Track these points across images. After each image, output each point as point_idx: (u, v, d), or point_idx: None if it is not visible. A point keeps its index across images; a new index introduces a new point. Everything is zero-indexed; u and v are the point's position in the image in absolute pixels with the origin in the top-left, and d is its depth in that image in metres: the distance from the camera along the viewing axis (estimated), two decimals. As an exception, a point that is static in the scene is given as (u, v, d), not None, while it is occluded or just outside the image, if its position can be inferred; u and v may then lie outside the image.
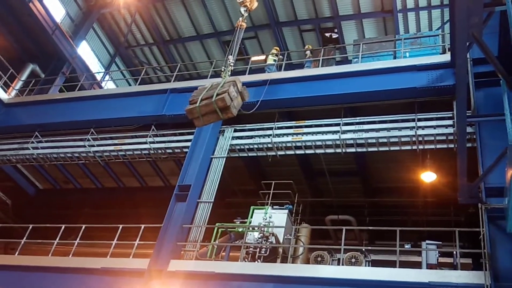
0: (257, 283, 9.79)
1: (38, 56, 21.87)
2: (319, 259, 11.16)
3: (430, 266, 10.01)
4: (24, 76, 20.95)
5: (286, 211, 12.05)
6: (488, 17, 7.43)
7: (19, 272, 11.89)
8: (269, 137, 13.03)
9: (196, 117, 9.11)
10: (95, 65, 25.95)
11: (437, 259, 10.25)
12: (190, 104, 9.17)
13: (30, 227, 13.42)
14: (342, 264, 10.51)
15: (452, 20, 9.43)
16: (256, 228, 11.42)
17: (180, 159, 14.92)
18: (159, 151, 14.46)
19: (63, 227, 13.02)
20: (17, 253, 12.82)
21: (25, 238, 13.12)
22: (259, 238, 11.14)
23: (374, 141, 12.18)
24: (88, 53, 25.52)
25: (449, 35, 10.99)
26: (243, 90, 9.42)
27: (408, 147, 12.00)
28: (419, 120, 11.83)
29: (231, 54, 10.76)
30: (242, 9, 11.44)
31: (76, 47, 23.43)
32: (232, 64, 10.57)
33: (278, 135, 13.06)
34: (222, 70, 10.37)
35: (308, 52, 17.01)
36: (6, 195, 19.14)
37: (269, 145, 13.06)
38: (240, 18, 11.35)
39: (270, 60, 16.42)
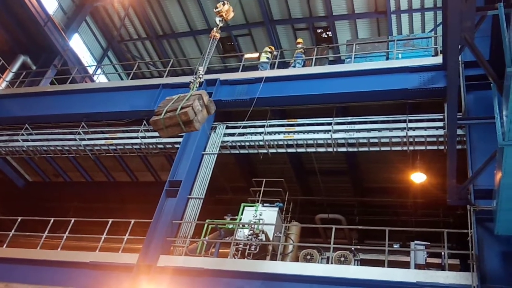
0: (246, 280, 9.81)
1: (30, 48, 21.67)
2: (308, 257, 11.21)
3: (418, 266, 10.07)
4: (15, 68, 20.79)
5: (277, 208, 12.11)
6: (480, 21, 7.51)
7: (6, 264, 11.82)
8: (261, 135, 13.05)
9: (161, 129, 8.97)
10: (87, 58, 25.79)
11: (425, 260, 10.31)
12: (155, 115, 9.01)
13: (19, 220, 13.33)
14: (331, 263, 10.55)
15: (444, 23, 9.52)
16: (246, 225, 11.45)
17: (171, 154, 14.89)
18: (150, 146, 14.44)
19: (52, 220, 12.95)
20: (5, 245, 12.71)
21: (13, 230, 13.02)
22: (249, 235, 11.18)
23: (365, 141, 12.24)
24: (80, 46, 25.37)
25: (442, 37, 11.08)
26: (209, 103, 9.22)
27: (399, 148, 12.07)
28: (410, 121, 11.91)
29: (201, 65, 10.19)
30: (218, 19, 10.78)
31: (68, 39, 23.26)
32: (201, 76, 10.09)
33: (270, 133, 13.08)
34: (191, 81, 9.95)
35: (299, 46, 16.96)
36: (-5, 187, 19.00)
37: (261, 143, 13.07)
38: (215, 29, 10.72)
39: (264, 58, 16.40)
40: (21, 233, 13.24)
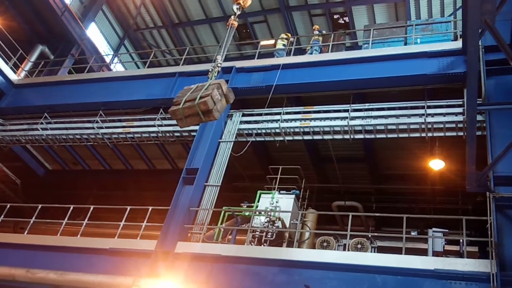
0: (262, 267, 9.84)
1: (48, 38, 21.90)
2: (325, 244, 11.21)
3: (436, 254, 10.02)
4: (33, 57, 21.04)
5: (293, 196, 12.10)
6: (501, 3, 7.32)
7: (28, 251, 12.03)
8: (277, 122, 13.00)
9: (179, 119, 8.90)
10: (104, 47, 25.94)
11: (444, 247, 10.25)
12: (174, 105, 8.93)
13: (39, 207, 13.54)
14: (348, 250, 10.54)
15: (464, 7, 9.31)
16: (262, 212, 11.48)
17: (188, 142, 14.95)
18: (167, 134, 14.50)
19: (71, 208, 13.14)
20: (26, 232, 12.94)
21: (34, 217, 13.23)
22: (265, 222, 11.21)
23: (382, 127, 12.12)
24: (97, 35, 25.52)
25: (461, 21, 10.85)
26: (228, 92, 9.12)
27: (417, 134, 11.93)
28: (429, 107, 11.75)
29: (219, 54, 10.08)
30: (235, 7, 10.64)
31: (85, 29, 23.42)
32: (220, 65, 9.96)
33: (286, 120, 13.02)
34: (210, 70, 9.84)
35: (316, 32, 16.80)
36: (16, 175, 19.32)
37: (277, 130, 13.02)
38: (232, 17, 10.62)
39: (280, 44, 16.29)
40: (41, 220, 13.46)
